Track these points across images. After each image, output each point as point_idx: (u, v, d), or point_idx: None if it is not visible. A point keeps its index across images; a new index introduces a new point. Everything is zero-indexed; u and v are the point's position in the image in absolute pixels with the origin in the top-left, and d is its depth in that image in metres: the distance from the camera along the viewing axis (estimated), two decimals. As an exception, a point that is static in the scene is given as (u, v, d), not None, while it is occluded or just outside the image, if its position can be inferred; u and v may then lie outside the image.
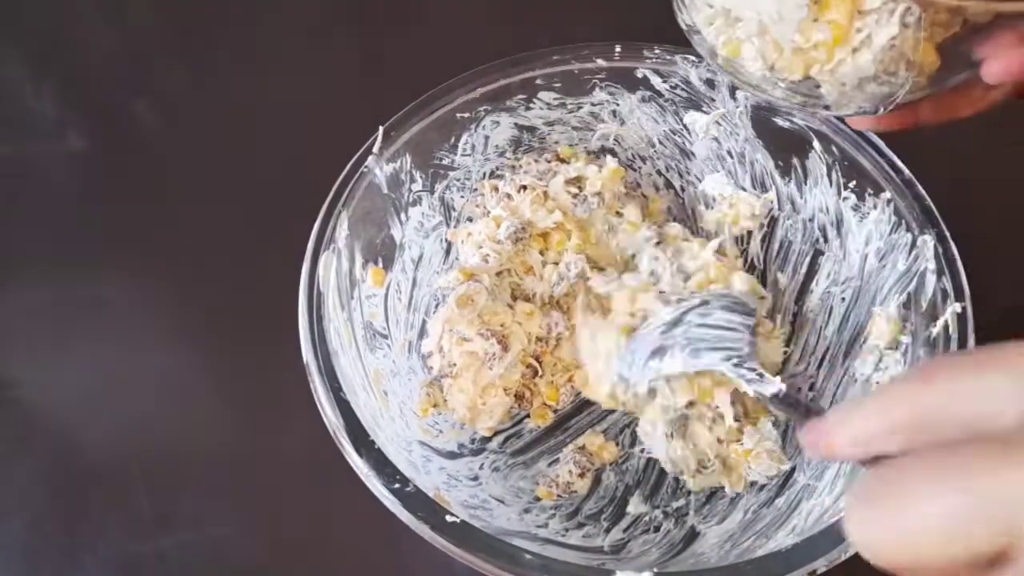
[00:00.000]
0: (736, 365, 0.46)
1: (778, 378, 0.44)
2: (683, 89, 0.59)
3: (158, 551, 0.54)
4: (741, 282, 0.54)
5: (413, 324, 0.59)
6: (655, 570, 0.42)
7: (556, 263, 0.58)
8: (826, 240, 0.58)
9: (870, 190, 0.55)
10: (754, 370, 0.45)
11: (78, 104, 0.74)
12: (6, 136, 0.72)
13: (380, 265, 0.56)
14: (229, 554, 0.55)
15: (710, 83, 0.58)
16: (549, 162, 0.61)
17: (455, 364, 0.56)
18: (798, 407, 0.43)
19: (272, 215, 0.64)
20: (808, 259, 0.60)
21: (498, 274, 0.58)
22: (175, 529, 0.55)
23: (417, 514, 0.43)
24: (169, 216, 0.67)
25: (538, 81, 0.59)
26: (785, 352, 0.59)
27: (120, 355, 0.62)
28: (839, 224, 0.57)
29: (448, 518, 0.43)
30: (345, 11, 0.77)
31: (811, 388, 0.57)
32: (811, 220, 0.59)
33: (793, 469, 0.54)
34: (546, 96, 0.59)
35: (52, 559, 0.54)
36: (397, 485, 0.44)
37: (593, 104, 0.60)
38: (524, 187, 0.59)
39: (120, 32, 0.79)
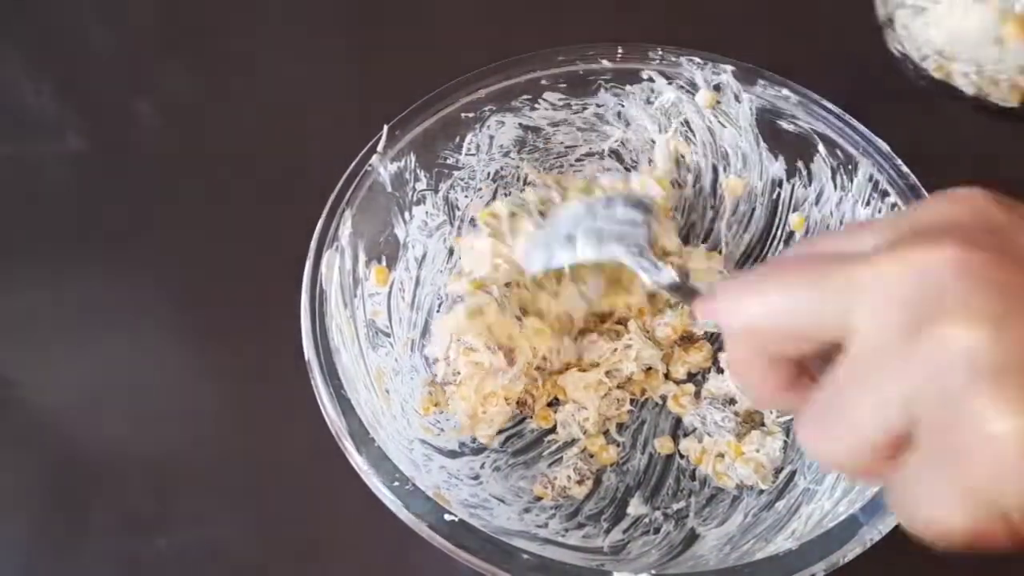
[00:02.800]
0: (635, 255, 0.49)
1: (671, 268, 0.46)
2: (688, 91, 0.59)
3: (158, 551, 0.54)
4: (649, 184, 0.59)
5: (416, 323, 0.58)
6: (653, 572, 0.43)
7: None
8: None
9: (874, 194, 0.55)
10: (651, 260, 0.48)
11: (78, 104, 0.74)
12: (6, 136, 0.72)
13: (384, 263, 0.56)
14: (229, 554, 0.54)
15: (717, 87, 0.58)
16: (548, 187, 0.60)
17: (459, 372, 0.56)
18: (693, 295, 0.44)
19: (273, 215, 0.64)
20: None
21: (506, 285, 0.58)
22: (175, 529, 0.55)
23: (416, 512, 0.43)
24: (169, 216, 0.67)
25: (543, 81, 0.58)
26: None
27: (120, 355, 0.62)
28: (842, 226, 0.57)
29: (447, 517, 0.43)
30: (347, 9, 0.77)
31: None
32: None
33: (794, 473, 0.54)
34: (551, 96, 0.59)
35: (52, 559, 0.54)
36: (396, 483, 0.44)
37: (598, 105, 0.60)
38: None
39: (120, 32, 0.78)
